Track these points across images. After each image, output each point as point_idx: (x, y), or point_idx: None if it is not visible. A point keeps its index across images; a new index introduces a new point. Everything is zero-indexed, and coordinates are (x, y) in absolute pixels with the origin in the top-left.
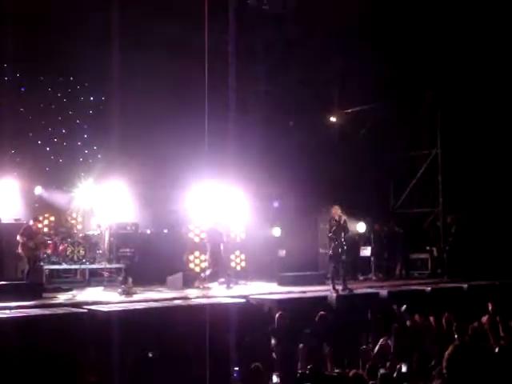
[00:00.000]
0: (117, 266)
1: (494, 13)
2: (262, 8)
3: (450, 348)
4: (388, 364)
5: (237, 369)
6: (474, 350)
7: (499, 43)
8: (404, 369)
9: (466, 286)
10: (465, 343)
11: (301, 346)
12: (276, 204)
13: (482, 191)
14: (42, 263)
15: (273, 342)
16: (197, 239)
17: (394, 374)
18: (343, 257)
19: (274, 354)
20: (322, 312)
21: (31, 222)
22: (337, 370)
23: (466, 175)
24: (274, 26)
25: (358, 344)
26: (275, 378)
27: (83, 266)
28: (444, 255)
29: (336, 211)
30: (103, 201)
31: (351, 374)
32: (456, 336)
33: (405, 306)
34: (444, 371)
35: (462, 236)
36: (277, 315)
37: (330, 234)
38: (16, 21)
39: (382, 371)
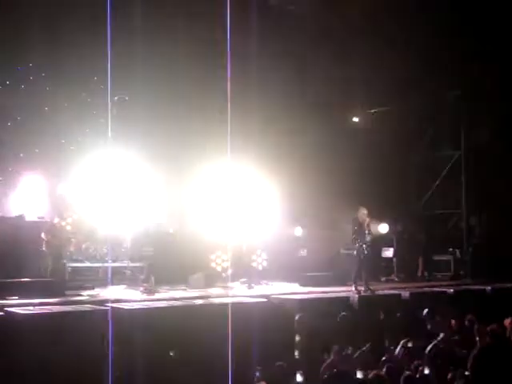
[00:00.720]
0: (139, 264)
1: None
2: (285, 8)
3: (476, 349)
4: (411, 366)
5: (259, 368)
6: (499, 352)
7: None
8: (427, 371)
9: (489, 288)
10: (491, 345)
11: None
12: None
13: (506, 192)
14: (65, 261)
15: (297, 339)
16: (219, 239)
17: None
18: (366, 258)
19: (296, 353)
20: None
21: (56, 220)
22: (359, 374)
23: (489, 176)
24: (295, 24)
25: (380, 345)
26: (299, 377)
27: (106, 265)
28: (467, 257)
29: (363, 212)
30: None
31: (371, 374)
32: (477, 338)
33: (426, 310)
34: (469, 372)
35: (485, 238)
36: (297, 317)
37: (354, 236)
38: (41, 20)
39: (406, 373)
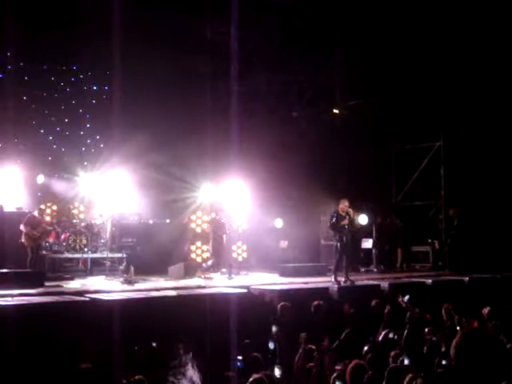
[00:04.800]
0: (119, 255)
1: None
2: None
3: (458, 336)
4: (392, 355)
5: (240, 358)
6: (483, 338)
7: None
8: (406, 361)
9: (467, 278)
10: (474, 331)
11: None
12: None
13: (485, 184)
14: (44, 252)
15: (274, 329)
16: (199, 229)
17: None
18: (346, 249)
19: (271, 345)
20: (316, 302)
21: (36, 212)
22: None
23: (468, 168)
24: (275, 16)
25: (361, 335)
26: (277, 370)
27: (85, 256)
28: (446, 248)
29: (344, 204)
30: (106, 190)
31: (353, 363)
32: (458, 328)
33: (408, 297)
34: (452, 359)
35: (463, 229)
36: (279, 305)
37: (334, 227)
38: (18, 9)
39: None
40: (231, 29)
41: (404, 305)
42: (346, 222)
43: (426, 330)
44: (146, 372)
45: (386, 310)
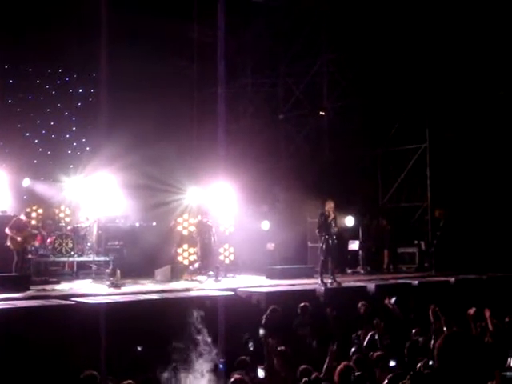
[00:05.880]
0: (105, 258)
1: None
2: (253, 0)
3: (441, 337)
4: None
5: (222, 361)
6: (465, 339)
7: (489, 38)
8: (393, 363)
9: (453, 279)
10: (456, 332)
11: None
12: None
13: (470, 186)
14: (30, 255)
15: (261, 332)
16: (185, 232)
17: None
18: (332, 250)
19: (249, 347)
20: (302, 304)
21: (22, 217)
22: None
23: (454, 170)
24: (262, 18)
25: (347, 337)
26: (260, 372)
27: (71, 259)
28: (432, 249)
29: (330, 206)
30: (92, 193)
31: (341, 365)
32: (445, 328)
33: (394, 298)
34: (435, 360)
35: (449, 230)
36: (269, 309)
37: (320, 229)
38: (2, 11)
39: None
40: (218, 31)
41: (391, 306)
42: (332, 223)
43: (414, 331)
44: (134, 376)
45: (363, 311)
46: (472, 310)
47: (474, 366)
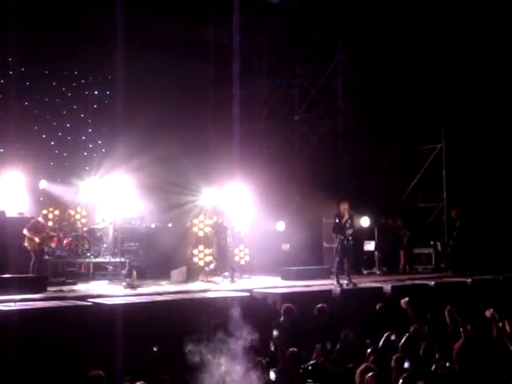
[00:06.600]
0: (121, 259)
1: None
2: (269, 2)
3: (462, 339)
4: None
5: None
6: (486, 341)
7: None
8: (406, 365)
9: (469, 280)
10: (477, 334)
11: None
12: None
13: (486, 185)
14: (46, 257)
15: (274, 334)
16: (201, 233)
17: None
18: (348, 251)
19: (272, 348)
20: (319, 305)
21: (40, 218)
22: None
23: (470, 170)
24: (278, 20)
25: (363, 338)
26: (272, 374)
27: (88, 260)
28: (448, 250)
29: (344, 206)
30: (108, 195)
31: (362, 366)
32: (461, 330)
33: (407, 299)
34: (454, 362)
35: (466, 231)
36: (283, 307)
37: (336, 230)
38: (20, 14)
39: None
40: (233, 33)
41: (405, 307)
42: (347, 223)
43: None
44: (150, 376)
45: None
46: (489, 312)
47: (494, 369)
